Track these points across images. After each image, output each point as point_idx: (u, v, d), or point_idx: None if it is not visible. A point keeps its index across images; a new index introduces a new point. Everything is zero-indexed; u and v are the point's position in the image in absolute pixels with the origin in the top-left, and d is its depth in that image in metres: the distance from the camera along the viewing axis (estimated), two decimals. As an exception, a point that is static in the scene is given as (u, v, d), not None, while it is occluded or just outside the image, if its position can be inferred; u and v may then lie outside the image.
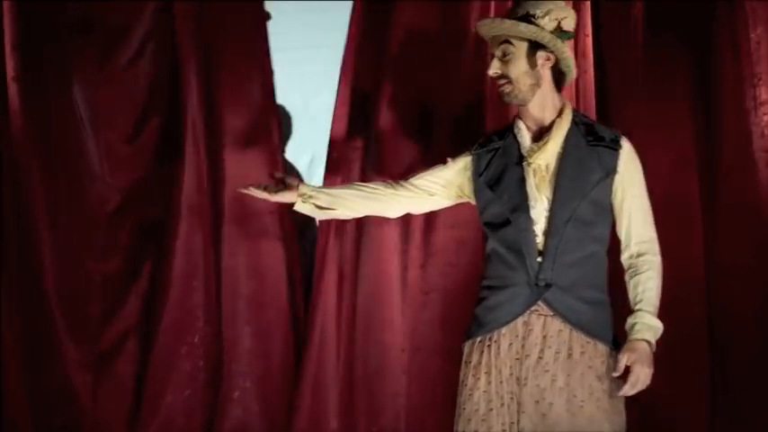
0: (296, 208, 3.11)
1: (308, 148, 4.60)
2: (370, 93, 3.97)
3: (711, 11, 3.90)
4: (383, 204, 3.12)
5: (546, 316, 2.83)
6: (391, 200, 3.10)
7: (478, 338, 2.90)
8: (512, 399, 2.82)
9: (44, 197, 3.95)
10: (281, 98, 4.33)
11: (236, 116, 3.98)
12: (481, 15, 3.77)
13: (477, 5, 3.84)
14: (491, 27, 2.97)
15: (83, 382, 3.95)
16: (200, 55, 3.93)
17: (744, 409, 3.75)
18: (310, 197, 3.06)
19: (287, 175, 3.10)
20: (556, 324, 2.83)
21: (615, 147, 2.91)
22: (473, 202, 3.04)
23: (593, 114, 3.67)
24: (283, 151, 4.30)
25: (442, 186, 3.07)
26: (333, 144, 3.99)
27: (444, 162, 3.10)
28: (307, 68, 4.50)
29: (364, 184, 3.16)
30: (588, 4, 3.72)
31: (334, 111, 3.98)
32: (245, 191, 3.14)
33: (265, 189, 3.07)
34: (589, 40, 3.75)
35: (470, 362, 2.91)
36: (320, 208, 3.07)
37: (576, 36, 3.36)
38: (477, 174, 2.98)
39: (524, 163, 2.89)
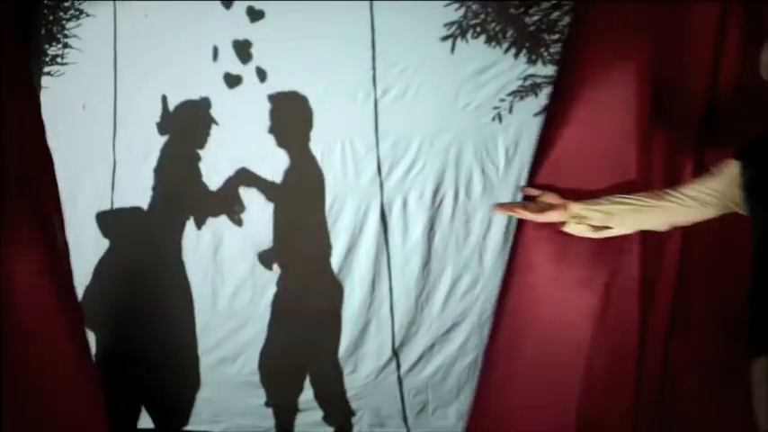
0: (567, 229, 2.95)
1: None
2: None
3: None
4: (656, 218, 2.94)
5: None
6: (664, 212, 2.92)
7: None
8: None
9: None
10: (276, 90, 4.26)
11: None
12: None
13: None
14: None
15: None
16: None
17: None
18: (585, 218, 2.91)
19: (545, 192, 2.94)
20: None
21: None
22: (742, 212, 2.83)
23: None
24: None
25: (715, 197, 2.86)
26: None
27: (708, 171, 2.91)
28: (303, 60, 4.32)
29: (631, 197, 2.93)
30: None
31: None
32: (509, 212, 2.99)
33: (525, 208, 2.91)
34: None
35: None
36: (595, 228, 2.94)
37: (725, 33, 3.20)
38: (747, 181, 2.79)
39: None
